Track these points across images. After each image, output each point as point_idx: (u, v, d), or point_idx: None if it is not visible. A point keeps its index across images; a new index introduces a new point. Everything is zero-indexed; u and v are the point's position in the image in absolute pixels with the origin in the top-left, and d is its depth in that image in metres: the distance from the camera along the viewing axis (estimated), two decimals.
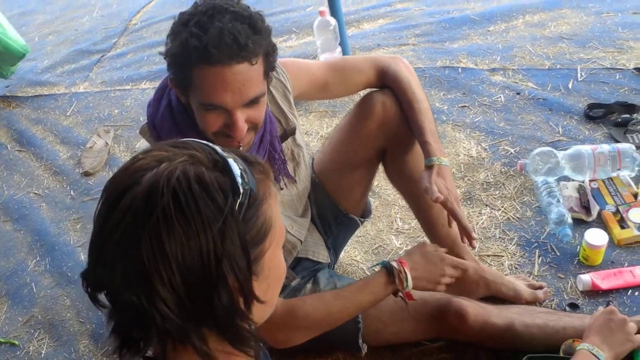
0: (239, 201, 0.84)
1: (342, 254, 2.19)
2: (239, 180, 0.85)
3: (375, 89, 1.84)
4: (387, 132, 1.81)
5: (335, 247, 2.05)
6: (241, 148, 1.47)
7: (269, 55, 1.43)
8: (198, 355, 0.85)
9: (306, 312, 1.55)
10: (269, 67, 1.45)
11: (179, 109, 1.51)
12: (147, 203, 0.81)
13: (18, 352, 2.28)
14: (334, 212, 1.98)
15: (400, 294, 1.59)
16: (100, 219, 0.84)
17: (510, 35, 3.52)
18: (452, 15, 3.87)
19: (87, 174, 3.16)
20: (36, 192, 3.16)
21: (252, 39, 1.35)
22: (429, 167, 1.67)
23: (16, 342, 2.32)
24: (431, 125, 1.73)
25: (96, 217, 0.86)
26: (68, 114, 3.78)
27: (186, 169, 0.84)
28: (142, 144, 1.58)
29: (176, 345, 0.87)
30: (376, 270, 1.61)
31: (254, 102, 1.41)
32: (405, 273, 1.57)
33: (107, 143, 3.32)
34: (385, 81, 1.82)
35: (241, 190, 0.84)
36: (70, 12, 5.50)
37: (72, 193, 3.08)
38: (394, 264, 1.58)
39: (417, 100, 1.75)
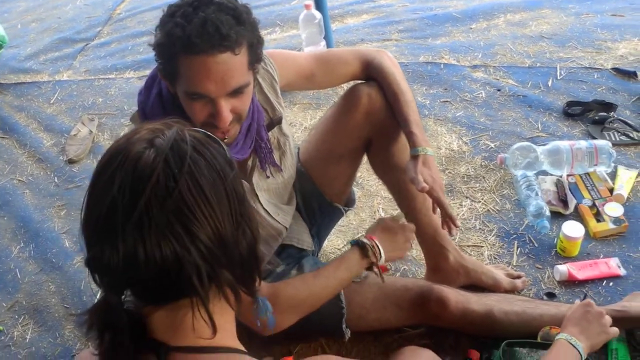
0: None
1: (325, 243, 2.23)
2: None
3: (361, 81, 1.88)
4: (373, 123, 1.85)
5: (319, 235, 2.09)
6: (226, 139, 1.50)
7: (254, 46, 1.46)
8: (226, 300, 0.95)
9: (290, 294, 1.59)
10: (254, 58, 1.48)
11: (168, 98, 1.54)
12: (175, 153, 0.89)
13: (2, 338, 2.28)
14: (319, 201, 2.02)
15: (375, 268, 1.67)
16: (112, 189, 0.87)
17: (492, 33, 3.58)
18: (434, 12, 3.92)
19: (71, 162, 3.16)
20: (20, 178, 3.14)
21: (234, 30, 1.37)
22: (415, 157, 1.71)
23: (1, 328, 2.32)
24: (416, 117, 1.78)
25: (105, 191, 0.88)
26: (52, 101, 3.75)
27: (190, 131, 0.96)
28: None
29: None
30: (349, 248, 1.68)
31: (238, 92, 1.44)
32: (378, 247, 1.64)
33: (91, 131, 3.32)
34: (370, 73, 1.86)
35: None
36: (52, 0, 5.46)
37: (56, 180, 3.07)
38: (365, 240, 1.66)
39: (401, 92, 1.80)
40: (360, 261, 1.65)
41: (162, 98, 1.55)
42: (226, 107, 1.44)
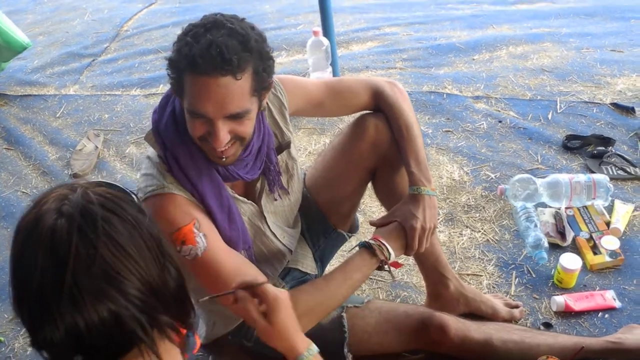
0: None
1: (328, 267, 2.25)
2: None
3: (369, 112, 1.93)
4: (378, 153, 1.90)
5: (322, 259, 2.12)
6: (224, 159, 1.54)
7: (259, 73, 1.47)
8: (169, 339, 0.99)
9: (304, 299, 1.59)
10: (259, 85, 1.49)
11: (182, 117, 1.56)
12: (87, 218, 0.91)
13: (3, 349, 2.29)
14: (323, 226, 2.05)
15: (386, 266, 1.67)
16: (35, 271, 0.90)
17: (494, 64, 3.64)
18: (438, 42, 3.99)
19: (76, 176, 3.18)
20: (24, 190, 3.16)
21: (239, 55, 1.40)
22: (411, 195, 1.75)
23: (2, 339, 2.33)
24: (419, 154, 1.81)
25: (28, 273, 0.91)
26: (57, 115, 3.78)
27: (94, 189, 0.97)
28: (150, 151, 1.64)
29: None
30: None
31: (237, 117, 1.47)
32: (385, 245, 1.66)
33: (96, 147, 3.36)
34: (379, 105, 1.90)
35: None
36: (60, 13, 5.49)
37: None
38: (370, 240, 1.68)
39: (407, 127, 1.83)
40: (369, 260, 1.65)
41: (175, 117, 1.58)
42: (223, 129, 1.46)
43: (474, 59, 3.74)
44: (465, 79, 3.52)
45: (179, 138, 1.56)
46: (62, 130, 3.62)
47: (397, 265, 1.72)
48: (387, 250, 1.66)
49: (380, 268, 1.68)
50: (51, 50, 4.74)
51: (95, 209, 0.92)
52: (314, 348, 1.31)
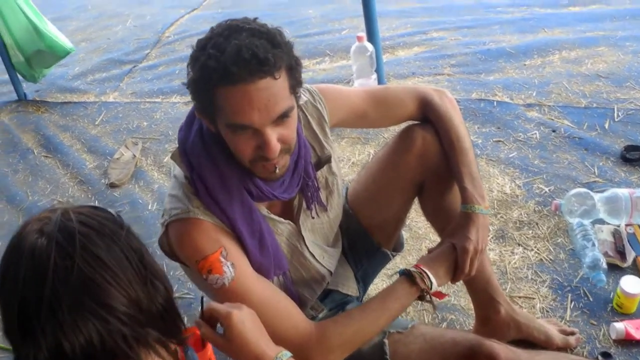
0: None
1: (370, 287, 2.15)
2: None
3: (417, 122, 1.81)
4: (426, 166, 1.77)
5: (364, 279, 2.02)
6: (277, 170, 1.42)
7: (293, 69, 1.38)
8: (158, 355, 0.98)
9: (338, 331, 1.51)
10: (294, 81, 1.39)
11: (209, 134, 1.47)
12: (64, 234, 0.93)
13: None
14: (366, 245, 1.94)
15: (427, 296, 1.56)
16: (17, 287, 0.91)
17: (547, 70, 3.50)
18: (487, 47, 3.86)
19: (112, 186, 3.14)
20: (60, 199, 3.15)
21: (271, 53, 1.29)
22: (464, 214, 1.64)
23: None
24: (471, 168, 1.69)
25: (13, 291, 0.92)
26: (96, 122, 3.78)
27: (75, 209, 0.99)
28: (177, 169, 1.54)
29: None
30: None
31: (283, 117, 1.36)
32: (426, 273, 1.55)
33: (134, 155, 3.31)
34: (427, 114, 1.78)
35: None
36: (103, 20, 5.53)
37: (96, 204, 3.05)
38: (411, 268, 1.57)
39: (458, 139, 1.72)
40: (409, 289, 1.55)
41: (202, 135, 1.48)
42: (273, 136, 1.35)
43: (525, 65, 3.60)
44: (517, 85, 3.38)
45: (207, 158, 1.46)
46: (100, 138, 3.60)
47: (440, 295, 1.60)
48: (429, 279, 1.55)
49: (421, 298, 1.57)
50: (93, 56, 4.76)
51: (74, 225, 0.94)
52: (285, 353, 1.29)
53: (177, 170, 1.53)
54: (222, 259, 1.42)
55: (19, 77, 4.18)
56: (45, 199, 3.17)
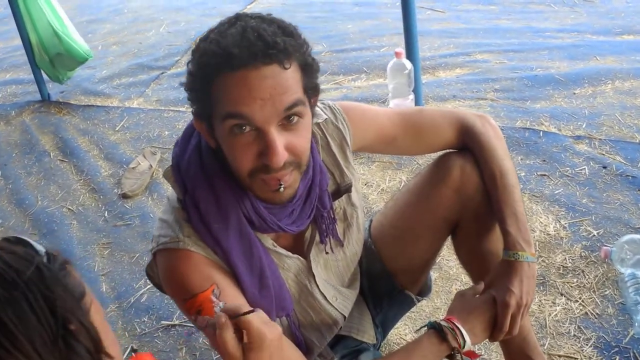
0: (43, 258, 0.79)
1: (390, 332, 1.92)
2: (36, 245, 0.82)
3: (454, 150, 1.58)
4: (463, 203, 1.54)
5: (384, 325, 1.79)
6: (283, 189, 1.20)
7: (308, 67, 1.17)
8: None
9: None
10: (310, 83, 1.19)
11: (208, 152, 1.27)
12: None
13: None
14: (388, 286, 1.71)
15: (458, 355, 1.36)
16: None
17: (598, 101, 3.25)
18: (535, 73, 3.61)
19: (124, 196, 2.97)
20: (70, 207, 3.03)
21: (281, 38, 1.10)
22: (506, 261, 1.42)
23: None
24: (517, 207, 1.47)
25: None
26: (117, 128, 3.65)
27: None
28: (169, 191, 1.33)
29: None
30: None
31: (292, 115, 1.15)
32: (459, 328, 1.35)
33: (151, 165, 3.13)
34: (467, 143, 1.55)
35: (42, 250, 0.81)
36: (137, 24, 5.43)
37: (106, 215, 2.91)
38: (442, 322, 1.37)
39: (502, 174, 1.49)
40: (438, 346, 1.35)
41: (200, 151, 1.28)
42: (279, 140, 1.14)
43: (574, 94, 3.35)
44: (565, 115, 3.13)
45: (204, 179, 1.26)
46: (119, 145, 3.46)
47: (473, 355, 1.38)
48: (462, 335, 1.34)
49: (450, 357, 1.36)
50: (122, 60, 4.66)
51: None
52: None
53: (171, 192, 1.32)
54: (214, 299, 1.21)
55: (45, 77, 4.09)
56: (54, 206, 3.03)
